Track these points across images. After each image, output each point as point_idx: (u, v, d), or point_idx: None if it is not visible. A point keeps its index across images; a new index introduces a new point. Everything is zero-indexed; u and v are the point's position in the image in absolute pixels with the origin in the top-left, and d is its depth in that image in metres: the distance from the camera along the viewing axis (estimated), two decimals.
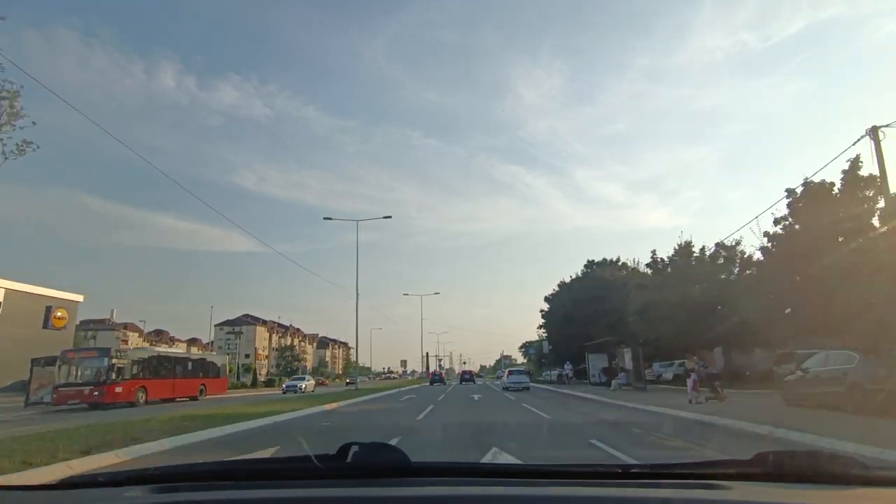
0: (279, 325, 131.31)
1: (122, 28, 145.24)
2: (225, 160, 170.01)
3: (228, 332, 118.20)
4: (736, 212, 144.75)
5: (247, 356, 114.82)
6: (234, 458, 1.65)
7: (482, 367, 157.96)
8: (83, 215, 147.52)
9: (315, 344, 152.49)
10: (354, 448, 1.38)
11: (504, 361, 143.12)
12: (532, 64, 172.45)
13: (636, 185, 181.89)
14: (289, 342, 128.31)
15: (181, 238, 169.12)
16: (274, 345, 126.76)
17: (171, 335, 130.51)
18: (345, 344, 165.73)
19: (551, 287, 51.44)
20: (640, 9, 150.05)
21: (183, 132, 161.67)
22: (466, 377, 55.89)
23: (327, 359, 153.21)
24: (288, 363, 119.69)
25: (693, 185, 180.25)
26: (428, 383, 50.82)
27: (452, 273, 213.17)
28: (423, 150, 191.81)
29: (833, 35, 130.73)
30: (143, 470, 1.50)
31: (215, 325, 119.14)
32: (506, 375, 35.13)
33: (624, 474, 1.38)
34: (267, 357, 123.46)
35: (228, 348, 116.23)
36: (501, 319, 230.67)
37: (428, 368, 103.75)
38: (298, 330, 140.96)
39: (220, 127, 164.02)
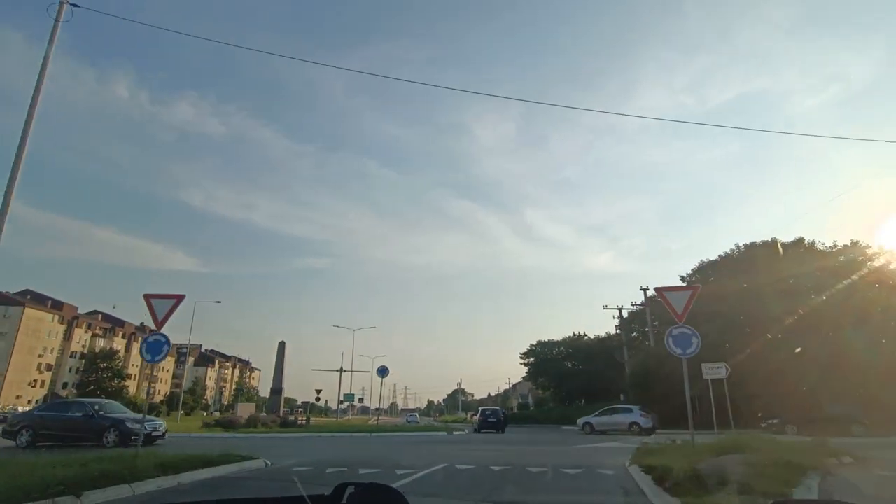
0: (106, 316, 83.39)
1: (74, 34, 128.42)
2: (174, 176, 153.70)
3: None
4: (676, 261, 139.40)
5: None
6: (231, 498, 1.61)
7: (430, 404, 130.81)
8: None
9: (191, 358, 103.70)
10: (350, 489, 1.37)
11: (461, 399, 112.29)
12: (488, 108, 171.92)
13: (584, 228, 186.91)
14: (117, 345, 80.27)
15: None
16: (84, 346, 78.37)
17: None
18: (245, 362, 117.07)
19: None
20: (589, 67, 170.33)
21: (134, 144, 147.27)
22: (491, 419, 33.87)
23: (207, 381, 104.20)
24: (103, 381, 71.41)
25: (636, 233, 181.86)
26: None
27: (400, 305, 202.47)
28: (379, 180, 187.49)
29: (760, 105, 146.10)
30: None
31: None
32: None
33: None
34: (57, 365, 74.53)
35: None
36: (451, 356, 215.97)
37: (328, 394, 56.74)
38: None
39: (174, 142, 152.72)
